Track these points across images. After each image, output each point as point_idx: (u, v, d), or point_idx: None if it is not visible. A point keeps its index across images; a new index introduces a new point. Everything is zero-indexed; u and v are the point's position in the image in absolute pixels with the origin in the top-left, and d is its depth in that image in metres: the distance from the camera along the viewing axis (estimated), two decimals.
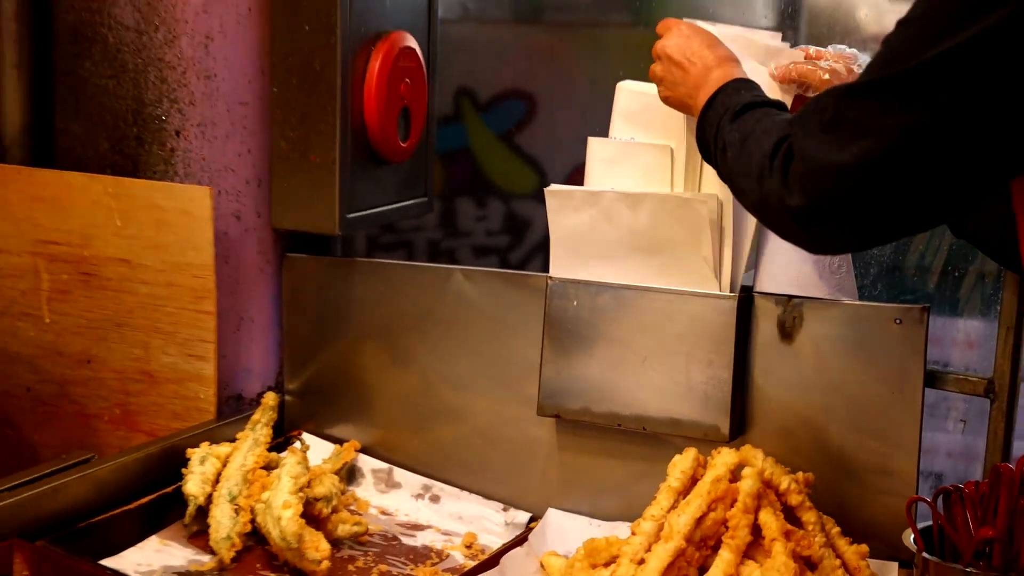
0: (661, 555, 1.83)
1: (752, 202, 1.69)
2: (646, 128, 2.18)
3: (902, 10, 1.48)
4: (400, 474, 2.31)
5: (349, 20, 2.25)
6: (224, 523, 1.98)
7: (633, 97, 2.20)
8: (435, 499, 2.28)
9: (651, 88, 2.19)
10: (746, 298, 2.12)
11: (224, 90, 2.30)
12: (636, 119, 2.19)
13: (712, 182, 2.17)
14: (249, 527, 2.00)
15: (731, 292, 2.11)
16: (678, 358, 2.12)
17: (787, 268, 2.13)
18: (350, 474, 2.31)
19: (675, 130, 2.15)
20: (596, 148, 2.21)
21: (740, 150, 1.71)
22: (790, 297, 2.11)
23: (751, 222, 2.12)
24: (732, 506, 1.88)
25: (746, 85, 1.88)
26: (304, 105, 2.28)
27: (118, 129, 2.32)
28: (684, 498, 1.91)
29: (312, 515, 2.06)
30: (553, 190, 2.18)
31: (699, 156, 2.16)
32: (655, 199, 2.10)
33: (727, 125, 1.77)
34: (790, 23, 3.01)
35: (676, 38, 2.00)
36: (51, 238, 2.29)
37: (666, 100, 2.03)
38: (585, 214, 2.15)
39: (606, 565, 1.91)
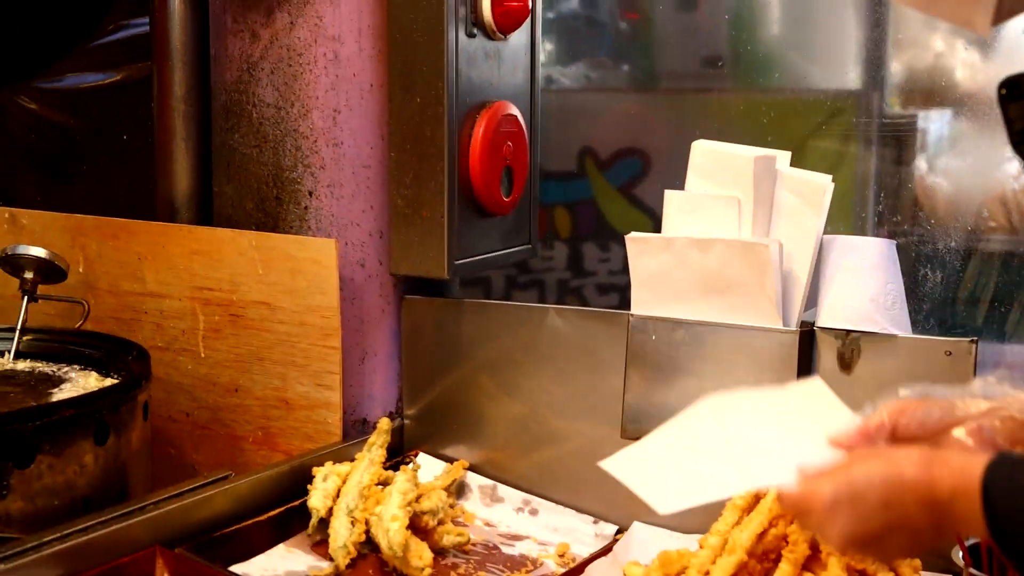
0: (724, 567, 1.74)
1: None
2: (716, 182, 2.10)
3: (998, 69, 1.35)
4: (503, 490, 2.25)
5: (456, 93, 2.22)
6: (342, 533, 1.95)
7: (706, 154, 2.12)
8: (534, 512, 2.21)
9: (721, 146, 2.12)
10: (807, 332, 2.02)
11: (349, 156, 2.28)
12: (708, 174, 2.11)
13: (775, 230, 2.09)
14: (364, 537, 1.96)
15: (793, 327, 2.01)
16: (746, 387, 2.02)
17: (845, 304, 2.02)
18: (459, 489, 2.25)
19: (742, 184, 2.07)
20: (672, 200, 2.13)
21: None
22: (848, 331, 2.00)
23: (810, 263, 2.02)
24: (792, 522, 1.78)
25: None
26: (417, 167, 2.25)
27: (261, 191, 2.31)
28: (748, 515, 1.82)
29: (419, 527, 2.01)
30: (633, 237, 2.12)
31: (764, 207, 2.08)
32: (723, 244, 2.02)
33: None
34: (875, 84, 2.90)
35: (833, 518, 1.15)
36: (206, 285, 2.29)
37: None
38: (661, 258, 2.08)
39: (677, 575, 1.83)
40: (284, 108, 2.27)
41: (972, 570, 1.71)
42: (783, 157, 2.13)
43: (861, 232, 2.74)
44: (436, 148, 2.23)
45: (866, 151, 2.77)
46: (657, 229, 2.19)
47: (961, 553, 1.76)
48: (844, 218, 2.93)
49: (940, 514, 1.05)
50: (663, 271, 2.09)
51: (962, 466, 1.08)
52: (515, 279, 3.76)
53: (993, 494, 1.03)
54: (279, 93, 2.28)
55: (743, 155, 2.07)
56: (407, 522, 1.94)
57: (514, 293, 3.63)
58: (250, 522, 1.96)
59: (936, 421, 1.25)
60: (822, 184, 2.06)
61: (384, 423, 2.15)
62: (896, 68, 2.82)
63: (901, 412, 1.28)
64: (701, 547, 1.81)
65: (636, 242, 2.11)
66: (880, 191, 3.04)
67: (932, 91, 2.59)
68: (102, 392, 1.94)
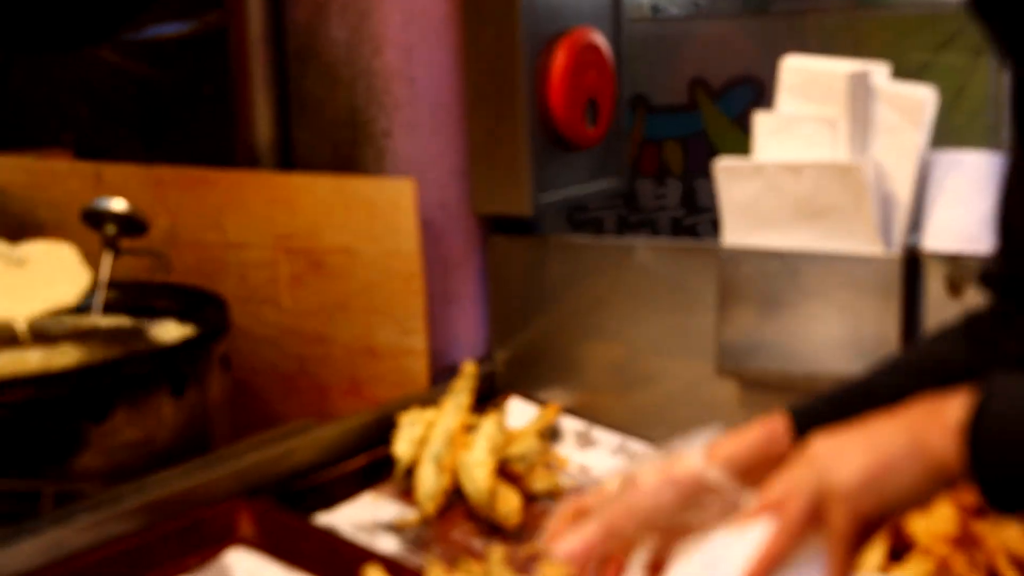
0: None
1: None
2: (810, 101, 1.99)
3: None
4: (598, 433, 2.19)
5: (529, 21, 2.14)
6: (428, 481, 1.91)
7: (797, 73, 2.01)
8: (630, 456, 2.15)
9: (814, 63, 2.01)
10: (911, 257, 1.91)
11: (425, 93, 2.23)
12: (801, 93, 2.00)
13: (874, 148, 1.98)
14: (451, 484, 1.92)
15: (896, 252, 1.91)
16: (846, 317, 1.93)
17: (953, 225, 1.91)
18: (553, 434, 2.20)
19: (836, 102, 1.96)
20: (763, 122, 2.03)
21: None
22: (955, 255, 1.89)
23: (911, 183, 1.91)
24: None
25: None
26: (495, 101, 2.18)
27: (337, 134, 2.27)
28: None
29: (509, 472, 1.96)
30: (722, 164, 2.02)
31: (860, 126, 1.98)
32: (816, 168, 1.92)
33: None
34: None
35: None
36: (286, 232, 2.26)
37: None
38: (752, 185, 1.98)
39: None
40: (356, 47, 2.22)
41: None
42: (880, 71, 2.01)
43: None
44: (513, 80, 2.16)
45: (999, 67, 2.63)
46: None
47: None
48: (976, 140, 2.78)
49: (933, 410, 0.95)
50: (754, 199, 1.99)
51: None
52: (626, 218, 3.70)
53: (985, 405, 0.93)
54: (350, 31, 2.23)
55: (836, 71, 1.96)
56: (494, 468, 1.89)
57: (625, 233, 3.57)
58: (334, 471, 1.93)
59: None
60: (923, 98, 1.94)
61: (469, 367, 2.10)
62: None
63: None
64: None
65: (725, 170, 2.01)
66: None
67: None
68: (178, 344, 1.92)
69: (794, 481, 0.99)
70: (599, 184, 2.42)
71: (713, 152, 3.83)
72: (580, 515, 1.18)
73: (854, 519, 0.96)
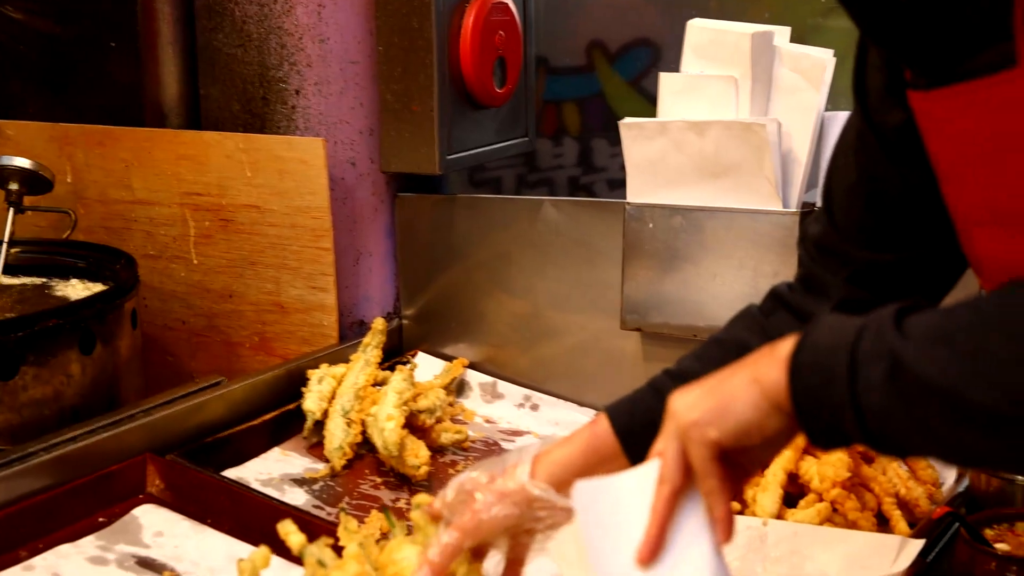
0: None
1: None
2: (713, 61, 2.03)
3: None
4: (504, 386, 2.23)
5: None
6: (337, 435, 1.93)
7: (701, 33, 2.05)
8: (535, 408, 2.19)
9: (718, 24, 2.05)
10: (808, 213, 1.97)
11: (336, 51, 2.23)
12: (705, 53, 2.04)
13: (776, 108, 2.03)
14: (360, 438, 1.94)
15: (794, 209, 1.96)
16: (746, 272, 1.98)
17: None
18: (459, 387, 2.23)
19: (739, 62, 2.00)
20: (667, 82, 2.07)
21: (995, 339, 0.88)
22: None
23: (810, 142, 1.96)
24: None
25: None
26: (405, 60, 2.19)
27: (247, 92, 2.26)
28: None
29: (417, 426, 1.99)
30: (627, 122, 2.06)
31: (762, 86, 2.02)
32: (720, 126, 1.96)
33: (892, 336, 0.91)
34: None
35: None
36: (194, 190, 2.25)
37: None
38: (657, 143, 2.02)
39: None
40: (267, 5, 2.21)
41: None
42: (782, 33, 2.06)
43: None
44: (424, 39, 2.16)
45: None
46: None
47: None
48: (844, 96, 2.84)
49: (773, 346, 1.00)
50: (659, 157, 2.03)
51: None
52: (524, 177, 3.72)
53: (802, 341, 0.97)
54: None
55: (740, 32, 2.00)
56: (403, 421, 1.91)
57: (524, 191, 3.60)
58: (243, 426, 1.94)
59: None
60: (823, 60, 1.99)
61: (379, 323, 2.12)
62: None
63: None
64: None
65: (630, 128, 2.05)
66: None
67: None
68: (85, 301, 1.91)
69: (662, 435, 1.04)
70: (506, 143, 2.44)
71: (610, 113, 3.87)
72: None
73: (707, 448, 1.01)
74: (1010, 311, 0.87)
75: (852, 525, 1.65)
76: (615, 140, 4.02)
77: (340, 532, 1.36)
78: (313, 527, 1.59)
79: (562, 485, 1.15)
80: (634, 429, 1.18)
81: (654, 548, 1.05)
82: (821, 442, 0.98)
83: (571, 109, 3.88)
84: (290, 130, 2.23)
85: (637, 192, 2.06)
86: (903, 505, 1.71)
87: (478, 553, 1.20)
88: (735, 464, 1.04)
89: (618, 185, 3.85)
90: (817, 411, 0.95)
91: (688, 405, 1.03)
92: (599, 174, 3.92)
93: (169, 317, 2.32)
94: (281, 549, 1.31)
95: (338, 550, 1.30)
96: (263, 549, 1.28)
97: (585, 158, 3.91)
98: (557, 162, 3.89)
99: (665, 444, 1.05)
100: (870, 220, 1.23)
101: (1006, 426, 0.85)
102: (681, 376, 1.24)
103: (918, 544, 1.57)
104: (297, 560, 1.30)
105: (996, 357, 0.85)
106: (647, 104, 3.82)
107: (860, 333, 0.93)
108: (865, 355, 0.92)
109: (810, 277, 1.29)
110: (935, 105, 1.07)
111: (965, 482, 1.76)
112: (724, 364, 1.10)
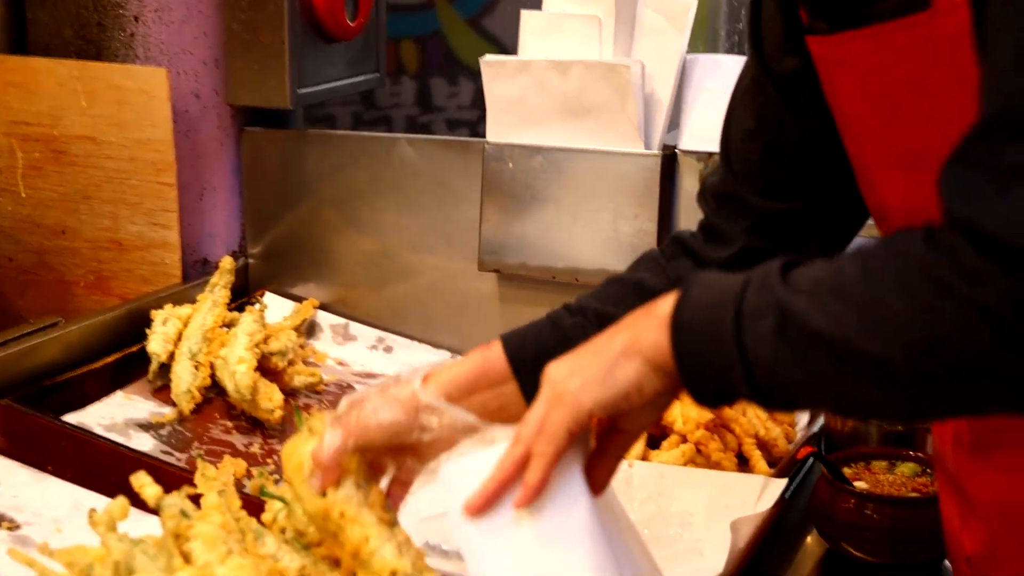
0: None
1: (937, 334, 0.83)
2: (576, 1, 2.00)
3: None
4: (356, 328, 2.17)
5: None
6: (184, 378, 1.84)
7: None
8: (388, 349, 2.14)
9: None
10: (669, 155, 1.97)
11: None
12: None
13: (637, 50, 2.01)
14: (209, 381, 1.86)
15: (655, 151, 1.95)
16: (606, 213, 1.97)
17: (708, 126, 1.96)
18: (310, 329, 2.16)
19: (602, 2, 1.97)
20: (529, 20, 2.03)
21: (861, 285, 0.87)
22: (710, 153, 1.95)
23: (671, 84, 1.96)
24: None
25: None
26: None
27: (80, 16, 2.12)
28: None
29: (268, 368, 1.92)
30: (488, 60, 2.01)
31: (626, 27, 2.00)
32: (583, 66, 1.93)
33: (780, 290, 0.90)
34: None
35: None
36: (23, 119, 2.10)
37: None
38: (518, 82, 1.98)
39: None
40: None
41: None
42: None
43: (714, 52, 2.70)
44: None
45: None
46: None
47: None
48: (700, 47, 2.86)
49: (651, 306, 0.98)
50: (520, 96, 1.99)
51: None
52: (361, 115, 3.65)
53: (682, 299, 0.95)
54: None
55: None
56: (255, 364, 1.84)
57: (360, 130, 3.53)
58: (84, 369, 1.83)
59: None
60: (687, 2, 1.98)
61: (227, 262, 2.03)
62: None
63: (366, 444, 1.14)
64: None
65: (491, 65, 2.00)
66: (730, 10, 2.99)
67: None
68: None
69: (537, 400, 1.01)
70: (357, 79, 2.36)
71: (449, 53, 3.84)
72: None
73: (572, 417, 0.98)
74: (905, 264, 0.85)
75: (715, 465, 1.66)
76: (454, 79, 3.99)
77: (197, 479, 1.29)
78: (164, 474, 1.50)
79: (450, 401, 1.11)
80: (526, 356, 1.14)
81: (482, 503, 1.01)
82: (707, 401, 0.96)
83: (409, 47, 3.83)
84: (129, 59, 2.10)
85: (497, 131, 2.02)
86: (762, 446, 1.73)
87: (375, 470, 1.16)
88: (619, 430, 1.02)
89: (456, 125, 3.83)
90: (702, 370, 0.93)
91: (564, 374, 0.99)
92: (437, 114, 3.89)
93: None
94: (133, 497, 1.22)
95: (195, 499, 1.23)
96: (120, 500, 1.20)
97: (423, 97, 3.87)
98: (395, 101, 3.83)
99: (533, 408, 1.01)
100: (768, 168, 1.22)
101: (900, 377, 0.84)
102: (580, 311, 1.21)
103: (781, 483, 1.59)
104: (152, 510, 1.22)
105: (892, 309, 0.84)
106: (487, 44, 3.79)
107: (744, 288, 0.91)
108: (751, 309, 0.90)
109: (711, 227, 1.27)
110: (837, 49, 1.05)
111: (820, 422, 1.79)
112: (622, 302, 1.08)
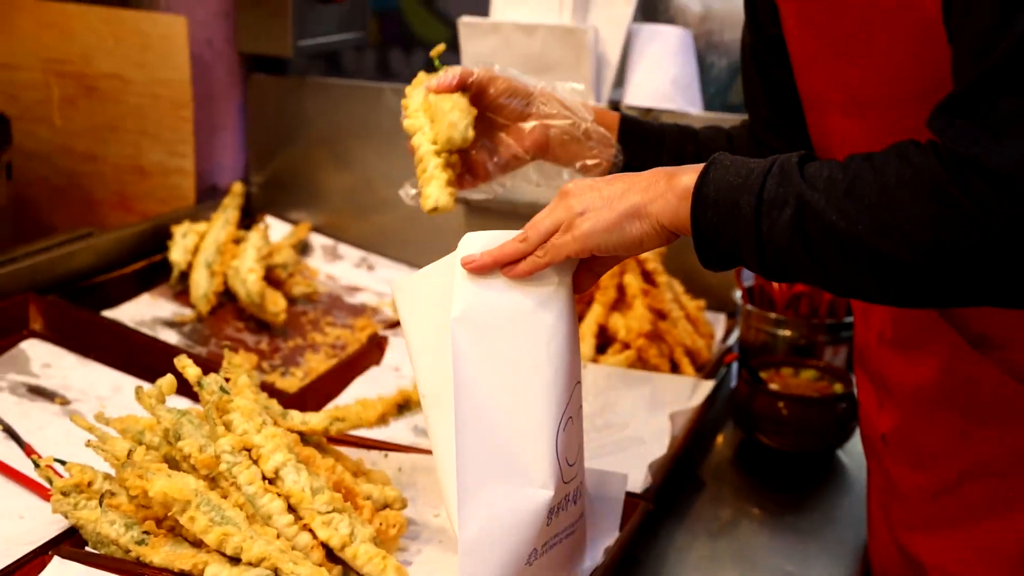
0: None
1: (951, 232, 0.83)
2: None
3: None
4: (343, 248, 2.17)
5: None
6: (202, 284, 1.83)
7: None
8: (371, 268, 2.14)
9: None
10: (615, 109, 1.97)
11: None
12: None
13: (593, 16, 2.01)
14: (222, 287, 1.85)
15: (604, 104, 1.96)
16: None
17: (649, 85, 1.99)
18: (303, 248, 2.15)
19: None
20: None
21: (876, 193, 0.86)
22: (650, 109, 1.97)
23: (619, 48, 1.97)
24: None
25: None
26: None
27: None
28: None
29: (273, 278, 1.92)
30: (465, 21, 2.00)
31: None
32: (546, 29, 1.93)
33: (799, 184, 0.88)
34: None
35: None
36: (58, 57, 2.06)
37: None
38: (490, 40, 1.98)
39: None
40: None
41: (748, 305, 1.75)
42: None
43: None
44: None
45: None
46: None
47: (739, 292, 1.80)
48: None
49: (671, 176, 0.97)
50: (490, 53, 1.98)
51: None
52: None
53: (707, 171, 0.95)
54: None
55: None
56: (263, 274, 1.84)
57: None
58: (115, 274, 1.82)
59: (516, 105, 1.31)
60: None
61: (237, 187, 2.01)
62: None
63: (490, 81, 1.30)
64: None
65: (467, 26, 1.99)
66: None
67: None
68: None
69: (547, 209, 1.01)
70: (346, 36, 2.34)
71: (405, 27, 3.81)
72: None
73: (577, 251, 0.98)
74: (916, 175, 0.84)
75: (654, 369, 1.70)
76: (409, 50, 3.94)
77: (225, 366, 1.29)
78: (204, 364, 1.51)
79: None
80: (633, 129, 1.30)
81: (478, 265, 1.00)
82: (711, 264, 0.96)
83: (372, 22, 3.78)
84: (152, 7, 2.06)
85: None
86: (690, 353, 1.77)
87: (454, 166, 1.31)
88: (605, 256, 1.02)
89: None
90: (716, 240, 0.93)
91: (579, 208, 0.98)
92: (394, 80, 3.85)
93: (32, 174, 2.13)
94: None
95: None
96: (168, 377, 1.20)
97: (383, 66, 3.84)
98: (357, 67, 3.79)
99: (545, 217, 1.00)
100: (754, 108, 1.28)
101: (902, 272, 0.85)
102: (691, 136, 1.33)
103: (709, 384, 1.63)
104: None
105: (903, 214, 0.83)
106: (436, 19, 3.76)
107: (765, 176, 0.90)
108: (771, 197, 0.89)
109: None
110: None
111: (736, 334, 1.84)
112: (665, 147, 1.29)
